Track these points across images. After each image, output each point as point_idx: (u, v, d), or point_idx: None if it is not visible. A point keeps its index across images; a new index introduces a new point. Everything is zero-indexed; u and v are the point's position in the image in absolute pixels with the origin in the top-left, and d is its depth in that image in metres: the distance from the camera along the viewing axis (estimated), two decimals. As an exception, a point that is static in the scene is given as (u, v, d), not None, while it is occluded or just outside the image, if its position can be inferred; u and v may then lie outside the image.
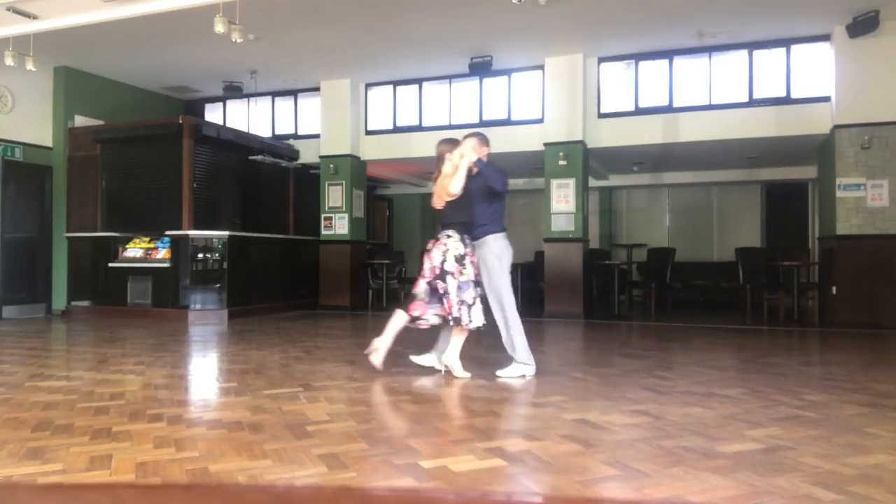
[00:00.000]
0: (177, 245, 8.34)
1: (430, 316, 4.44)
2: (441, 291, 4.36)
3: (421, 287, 4.43)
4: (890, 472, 2.51)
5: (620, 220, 13.00)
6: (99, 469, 2.49)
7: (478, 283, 4.41)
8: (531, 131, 9.17)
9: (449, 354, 4.44)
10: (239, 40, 6.44)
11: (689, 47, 8.47)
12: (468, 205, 4.45)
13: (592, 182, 10.63)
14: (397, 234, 13.97)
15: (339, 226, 9.99)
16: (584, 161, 8.90)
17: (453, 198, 4.39)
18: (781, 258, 8.69)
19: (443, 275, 4.35)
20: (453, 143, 4.56)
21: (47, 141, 9.27)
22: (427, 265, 4.44)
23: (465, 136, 4.58)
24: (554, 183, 8.82)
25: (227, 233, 8.38)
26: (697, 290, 10.63)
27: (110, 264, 8.74)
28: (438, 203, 4.52)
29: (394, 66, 9.33)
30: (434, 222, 4.43)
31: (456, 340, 4.42)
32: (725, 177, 11.48)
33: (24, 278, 8.91)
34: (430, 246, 4.49)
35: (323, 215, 10.06)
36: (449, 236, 4.41)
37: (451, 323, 4.35)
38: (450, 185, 4.39)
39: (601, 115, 8.96)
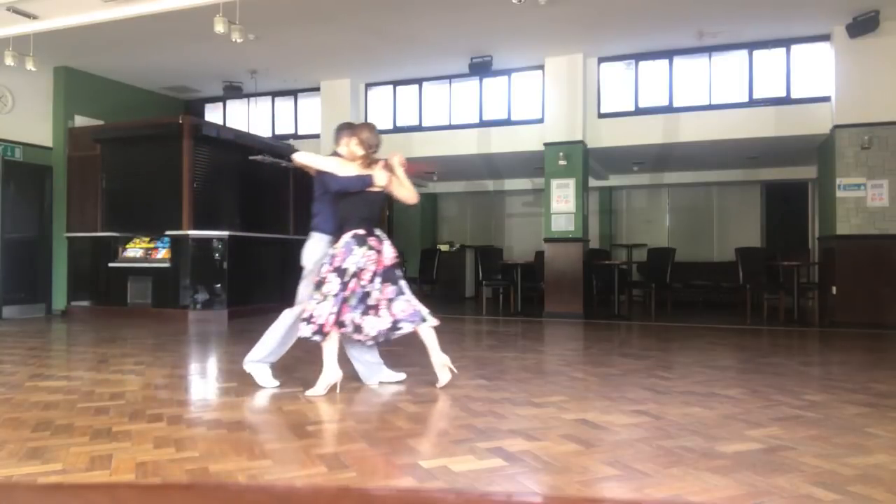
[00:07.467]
0: (177, 245, 8.34)
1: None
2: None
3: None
4: (890, 472, 2.51)
5: (620, 220, 12.98)
6: (99, 469, 2.49)
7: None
8: (531, 131, 9.16)
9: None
10: (239, 40, 6.44)
11: (689, 47, 8.47)
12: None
13: (592, 182, 10.62)
14: (397, 234, 13.93)
15: (339, 226, 9.96)
16: (584, 161, 8.90)
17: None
18: (781, 258, 8.69)
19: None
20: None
21: (47, 141, 9.27)
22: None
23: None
24: (554, 183, 8.82)
25: (226, 233, 8.37)
26: (697, 290, 10.61)
27: (110, 264, 8.74)
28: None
29: (394, 66, 9.33)
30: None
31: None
32: (725, 177, 11.48)
33: (24, 278, 8.90)
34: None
35: (323, 215, 10.04)
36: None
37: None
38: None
39: (601, 115, 8.96)
